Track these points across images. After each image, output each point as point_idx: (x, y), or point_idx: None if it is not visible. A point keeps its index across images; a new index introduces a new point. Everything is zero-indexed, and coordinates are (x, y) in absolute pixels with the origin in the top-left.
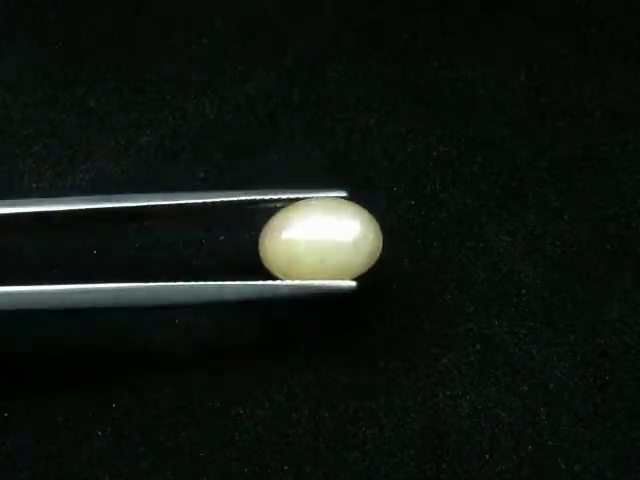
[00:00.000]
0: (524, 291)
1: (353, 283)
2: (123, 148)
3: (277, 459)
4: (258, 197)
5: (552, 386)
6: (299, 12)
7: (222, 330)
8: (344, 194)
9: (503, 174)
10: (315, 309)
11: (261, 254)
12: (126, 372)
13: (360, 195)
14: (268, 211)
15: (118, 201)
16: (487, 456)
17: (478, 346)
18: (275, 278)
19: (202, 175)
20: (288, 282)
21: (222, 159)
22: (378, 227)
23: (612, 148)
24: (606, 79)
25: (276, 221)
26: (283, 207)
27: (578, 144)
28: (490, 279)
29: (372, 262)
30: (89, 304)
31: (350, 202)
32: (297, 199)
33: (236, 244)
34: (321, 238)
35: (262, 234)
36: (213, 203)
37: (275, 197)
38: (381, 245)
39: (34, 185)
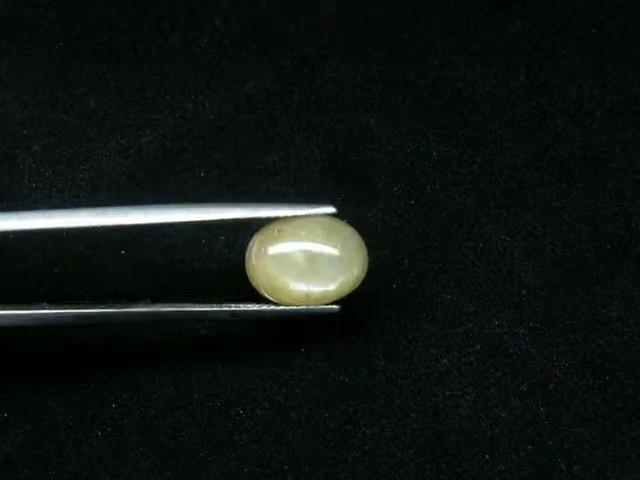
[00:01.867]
0: (524, 291)
1: (336, 307)
2: (123, 148)
3: (277, 459)
4: (244, 215)
5: (552, 386)
6: (299, 12)
7: (222, 330)
8: (333, 210)
9: (503, 174)
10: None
11: (248, 273)
12: (126, 372)
13: (360, 195)
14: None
15: (113, 216)
16: (487, 456)
17: (478, 346)
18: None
19: (202, 175)
20: (274, 307)
21: (222, 159)
22: (364, 251)
23: (612, 148)
24: (606, 79)
25: (261, 245)
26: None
27: (578, 144)
28: (490, 279)
29: (357, 284)
30: (78, 322)
31: (337, 223)
32: (285, 217)
33: (230, 236)
34: (306, 269)
35: (248, 252)
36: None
37: (263, 216)
38: (366, 269)
39: (34, 185)
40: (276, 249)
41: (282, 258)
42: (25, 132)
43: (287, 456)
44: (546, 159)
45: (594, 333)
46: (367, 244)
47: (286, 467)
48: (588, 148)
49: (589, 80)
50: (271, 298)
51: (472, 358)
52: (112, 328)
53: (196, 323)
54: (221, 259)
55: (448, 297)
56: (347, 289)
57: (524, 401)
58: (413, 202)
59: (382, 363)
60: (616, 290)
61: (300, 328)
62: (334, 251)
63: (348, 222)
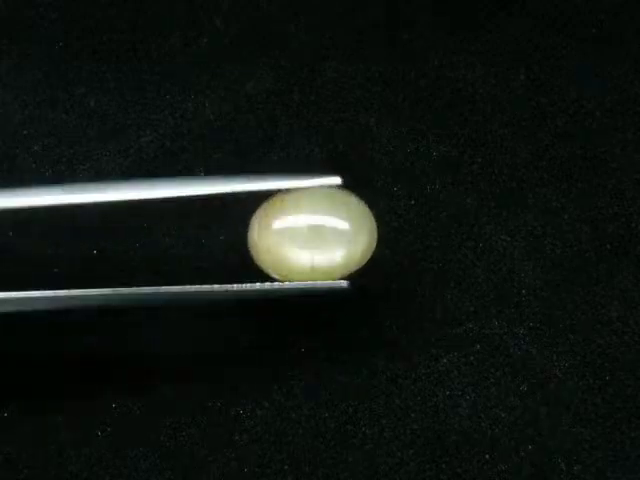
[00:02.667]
0: (524, 291)
1: (345, 283)
2: (123, 148)
3: (277, 459)
4: (249, 187)
5: (552, 386)
6: (299, 12)
7: (222, 330)
8: (338, 180)
9: (503, 174)
10: (315, 309)
11: (250, 249)
12: (126, 372)
13: (360, 195)
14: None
15: (115, 191)
16: (487, 456)
17: (478, 346)
18: (266, 274)
19: (202, 175)
20: (279, 284)
21: (222, 159)
22: (372, 221)
23: (612, 148)
24: (606, 79)
25: (264, 219)
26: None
27: (578, 144)
28: (490, 279)
29: (366, 258)
30: (85, 306)
31: (342, 193)
32: (288, 189)
33: (229, 236)
34: (311, 241)
35: (250, 227)
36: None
37: (265, 187)
38: (375, 239)
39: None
40: (279, 222)
41: (285, 231)
42: (25, 132)
43: (287, 456)
44: (546, 159)
45: (594, 333)
46: None
47: (286, 467)
48: (588, 148)
49: (589, 80)
50: (276, 276)
51: (472, 358)
52: (111, 328)
53: (200, 306)
54: (221, 259)
55: (448, 297)
56: (355, 260)
57: (524, 401)
58: (413, 202)
59: (382, 363)
60: (616, 290)
61: (300, 328)
62: (339, 221)
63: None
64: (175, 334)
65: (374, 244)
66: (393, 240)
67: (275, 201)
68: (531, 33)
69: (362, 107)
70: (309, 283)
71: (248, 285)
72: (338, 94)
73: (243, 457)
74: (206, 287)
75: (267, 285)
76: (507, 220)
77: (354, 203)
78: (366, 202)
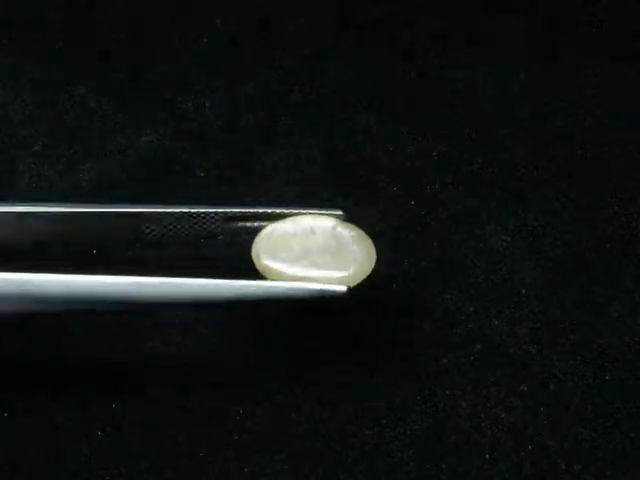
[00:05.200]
0: (524, 291)
1: (344, 287)
2: (123, 148)
3: (277, 459)
4: (252, 211)
5: (552, 386)
6: (299, 12)
7: (222, 330)
8: (339, 212)
9: (503, 174)
10: (315, 310)
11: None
12: (126, 372)
13: (360, 195)
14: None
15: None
16: (487, 456)
17: (478, 346)
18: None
19: (202, 175)
20: (280, 283)
21: (222, 159)
22: (372, 257)
23: (612, 148)
24: (606, 79)
25: (263, 246)
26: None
27: (578, 144)
28: (490, 279)
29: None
30: (85, 298)
31: (344, 229)
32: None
33: (233, 247)
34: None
35: (253, 250)
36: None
37: (269, 211)
38: (374, 262)
39: (34, 185)
40: (275, 267)
41: (282, 270)
42: (25, 132)
43: (287, 456)
44: (546, 159)
45: (594, 333)
46: None
47: (286, 467)
48: (588, 148)
49: (589, 80)
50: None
51: (472, 358)
52: (111, 327)
53: (205, 302)
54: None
55: (448, 297)
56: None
57: (524, 401)
58: (413, 202)
59: (382, 363)
60: (616, 290)
61: (300, 328)
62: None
63: (347, 222)
64: (175, 333)
65: (372, 265)
66: (393, 240)
67: (275, 238)
68: (531, 33)
69: (362, 107)
70: (310, 285)
71: (251, 282)
72: (338, 94)
73: (243, 457)
74: (208, 281)
75: (269, 284)
76: (507, 220)
77: (353, 250)
78: (366, 202)
